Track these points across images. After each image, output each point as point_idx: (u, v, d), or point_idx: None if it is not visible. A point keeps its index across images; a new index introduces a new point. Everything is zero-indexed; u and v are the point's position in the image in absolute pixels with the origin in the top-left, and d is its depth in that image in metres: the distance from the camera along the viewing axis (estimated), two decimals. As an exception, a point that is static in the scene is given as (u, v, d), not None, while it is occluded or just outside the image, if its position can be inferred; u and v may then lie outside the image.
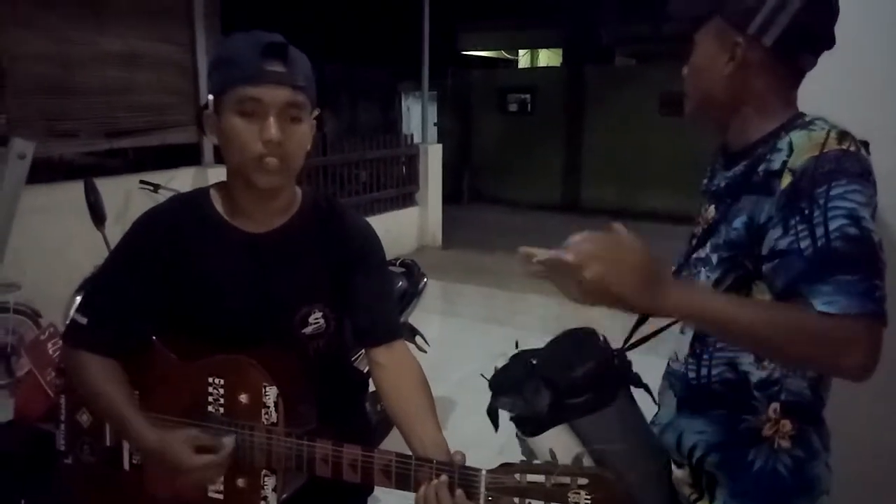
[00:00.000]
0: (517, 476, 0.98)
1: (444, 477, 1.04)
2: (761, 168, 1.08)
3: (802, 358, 1.01)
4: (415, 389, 1.24)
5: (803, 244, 0.98)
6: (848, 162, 0.99)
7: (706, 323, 1.03)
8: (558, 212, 10.64)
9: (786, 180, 1.02)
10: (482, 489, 1.00)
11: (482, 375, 1.33)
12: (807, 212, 0.98)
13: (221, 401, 1.16)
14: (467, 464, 1.06)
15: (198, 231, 1.22)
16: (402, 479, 1.05)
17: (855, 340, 0.94)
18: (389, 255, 1.55)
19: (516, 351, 1.37)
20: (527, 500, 0.98)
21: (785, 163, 1.03)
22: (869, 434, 1.67)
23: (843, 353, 0.95)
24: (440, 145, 8.31)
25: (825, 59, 1.13)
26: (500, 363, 1.35)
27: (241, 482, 1.16)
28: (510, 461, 1.02)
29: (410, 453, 1.11)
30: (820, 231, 0.97)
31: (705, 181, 1.26)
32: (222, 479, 1.16)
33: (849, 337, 0.94)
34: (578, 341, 1.32)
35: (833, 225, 0.96)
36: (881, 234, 0.99)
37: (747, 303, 1.07)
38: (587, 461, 1.21)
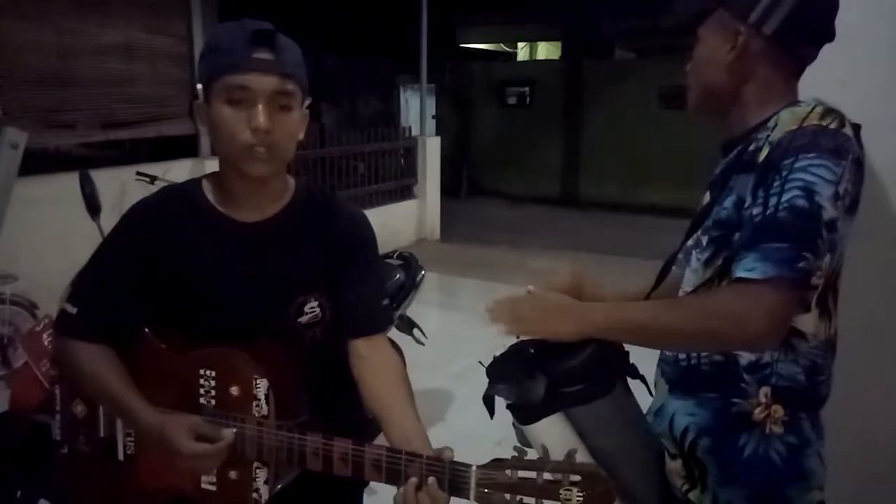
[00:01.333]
0: (508, 472, 0.97)
1: (413, 479, 1.03)
2: (751, 147, 1.09)
3: (709, 335, 1.03)
4: (394, 380, 1.24)
5: (755, 211, 1.00)
6: (823, 138, 1.00)
7: (627, 332, 1.11)
8: (557, 206, 10.63)
9: (764, 153, 1.04)
10: (472, 485, 0.99)
11: (480, 363, 1.33)
12: (769, 181, 1.00)
13: (213, 393, 1.16)
14: (465, 457, 1.05)
15: (189, 221, 1.21)
16: (393, 474, 1.04)
17: (755, 306, 0.95)
18: (387, 248, 1.54)
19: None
20: (518, 497, 0.97)
21: (768, 136, 1.05)
22: (869, 432, 1.67)
23: (743, 321, 0.96)
24: (438, 138, 8.29)
25: (828, 50, 1.13)
26: (499, 352, 1.35)
27: (233, 474, 1.15)
28: (503, 457, 1.01)
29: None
30: (773, 201, 0.98)
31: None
32: (215, 470, 1.15)
33: (749, 304, 0.96)
34: None
35: (786, 196, 0.97)
36: (886, 226, 0.98)
37: (659, 303, 1.12)
38: (581, 454, 1.21)
